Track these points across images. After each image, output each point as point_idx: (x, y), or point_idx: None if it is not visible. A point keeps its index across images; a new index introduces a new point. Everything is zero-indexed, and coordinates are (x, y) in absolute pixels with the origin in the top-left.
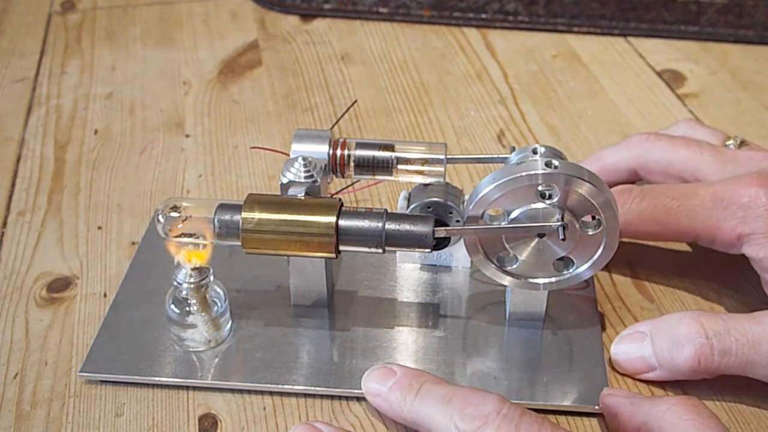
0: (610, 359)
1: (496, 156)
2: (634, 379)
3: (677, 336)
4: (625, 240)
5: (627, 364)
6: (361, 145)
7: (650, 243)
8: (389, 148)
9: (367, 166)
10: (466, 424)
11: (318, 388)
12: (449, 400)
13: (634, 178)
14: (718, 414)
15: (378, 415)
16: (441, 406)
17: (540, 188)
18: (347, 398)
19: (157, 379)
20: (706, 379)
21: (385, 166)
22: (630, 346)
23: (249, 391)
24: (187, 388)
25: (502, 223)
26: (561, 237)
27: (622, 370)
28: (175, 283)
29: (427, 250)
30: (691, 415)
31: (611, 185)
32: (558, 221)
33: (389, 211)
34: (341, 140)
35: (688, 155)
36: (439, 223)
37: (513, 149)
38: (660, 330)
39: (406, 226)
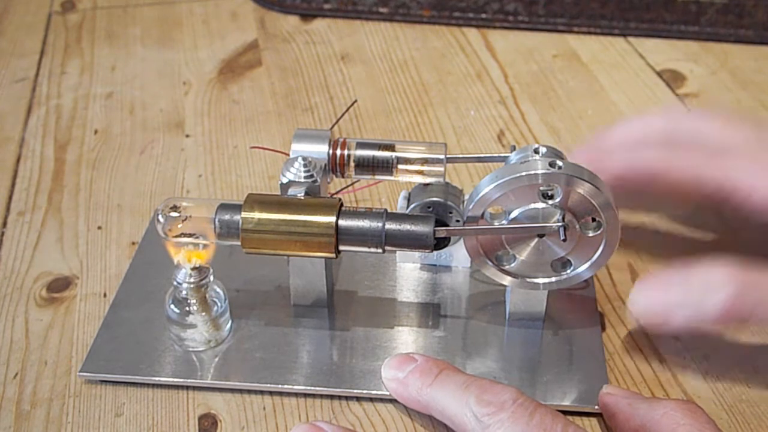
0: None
1: (496, 155)
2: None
3: (710, 280)
4: (625, 240)
5: (647, 312)
6: (361, 145)
7: (650, 243)
8: (389, 148)
9: (367, 166)
10: (482, 408)
11: (318, 388)
12: (467, 386)
13: (658, 156)
14: (718, 414)
15: (378, 415)
16: (458, 392)
17: (542, 188)
18: (347, 398)
19: (157, 379)
20: (706, 380)
21: (385, 166)
22: (653, 293)
23: (249, 391)
24: (187, 388)
25: (503, 223)
26: (562, 237)
27: (640, 318)
28: (175, 283)
29: (427, 250)
30: (688, 420)
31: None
32: (558, 221)
33: (389, 211)
34: (341, 140)
35: (721, 127)
36: (440, 223)
37: (513, 148)
38: (690, 274)
39: (406, 226)
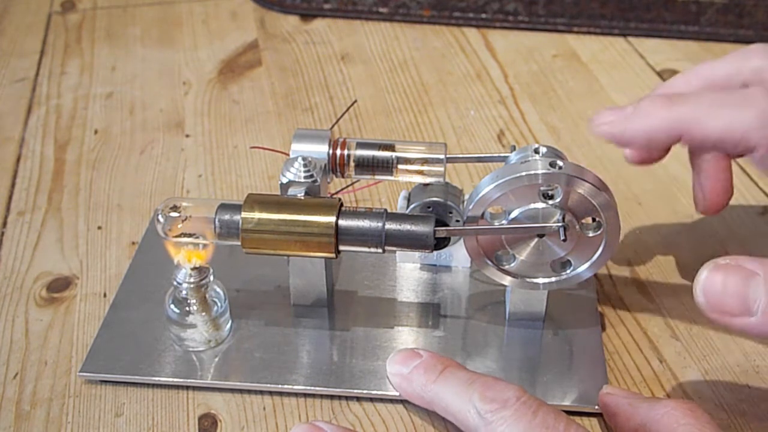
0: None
1: (496, 155)
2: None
3: None
4: (625, 240)
5: (719, 299)
6: (361, 145)
7: (650, 243)
8: (389, 148)
9: (367, 166)
10: (486, 404)
11: (318, 388)
12: (471, 383)
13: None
14: (717, 414)
15: (378, 415)
16: (462, 388)
17: (542, 188)
18: (347, 398)
19: (157, 379)
20: (706, 380)
21: (385, 166)
22: (731, 279)
23: (249, 391)
24: (187, 388)
25: (503, 222)
26: (562, 237)
27: (708, 304)
28: (175, 283)
29: (427, 250)
30: (688, 419)
31: None
32: (558, 221)
33: (389, 211)
34: (341, 140)
35: None
36: (440, 223)
37: (513, 148)
38: None
39: (407, 226)
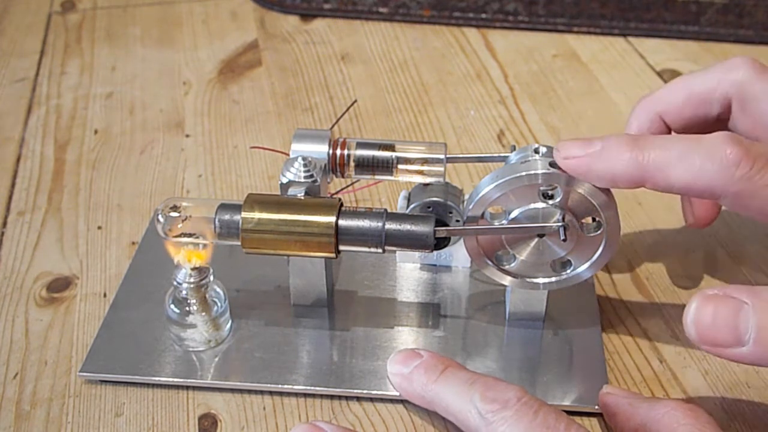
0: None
1: (496, 155)
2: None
3: None
4: (625, 240)
5: (709, 331)
6: (361, 145)
7: (650, 243)
8: (389, 147)
9: (367, 166)
10: (487, 405)
11: (318, 388)
12: (472, 383)
13: (723, 114)
14: (718, 414)
15: (378, 415)
16: (463, 388)
17: (542, 188)
18: (347, 398)
19: (157, 378)
20: (706, 380)
21: (385, 166)
22: (721, 310)
23: (249, 391)
24: (187, 388)
25: (503, 222)
26: (562, 237)
27: (699, 336)
28: (175, 283)
29: (427, 250)
30: (688, 420)
31: (695, 121)
32: (558, 221)
33: (389, 211)
34: (341, 140)
35: None
36: (440, 222)
37: (513, 148)
38: (764, 302)
39: (407, 226)
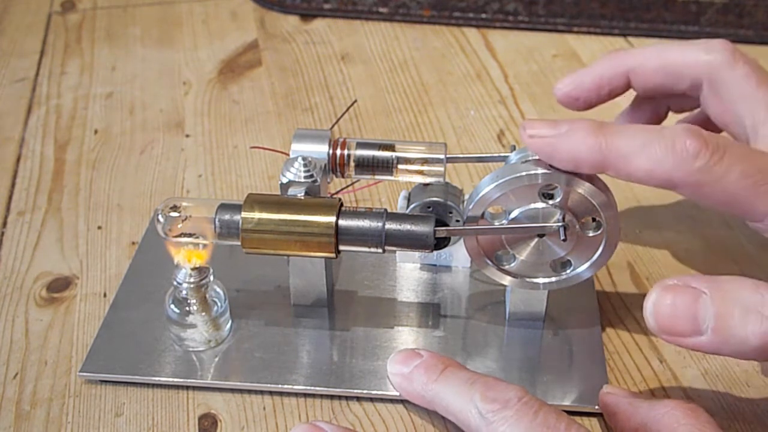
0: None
1: (496, 155)
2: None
3: (747, 302)
4: (625, 240)
5: (669, 321)
6: (361, 145)
7: (650, 243)
8: (389, 148)
9: (367, 166)
10: (487, 404)
11: (318, 388)
12: (472, 383)
13: (690, 91)
14: (717, 414)
15: (378, 415)
16: (464, 388)
17: (542, 189)
18: (347, 398)
19: (157, 378)
20: (706, 380)
21: (385, 166)
22: (679, 299)
23: (249, 391)
24: (187, 387)
25: (503, 222)
26: (562, 237)
27: (658, 326)
28: (175, 283)
29: (428, 250)
30: (689, 420)
31: (661, 90)
32: (558, 221)
33: (389, 211)
34: (341, 140)
35: None
36: (440, 222)
37: (513, 148)
38: (722, 291)
39: (407, 226)
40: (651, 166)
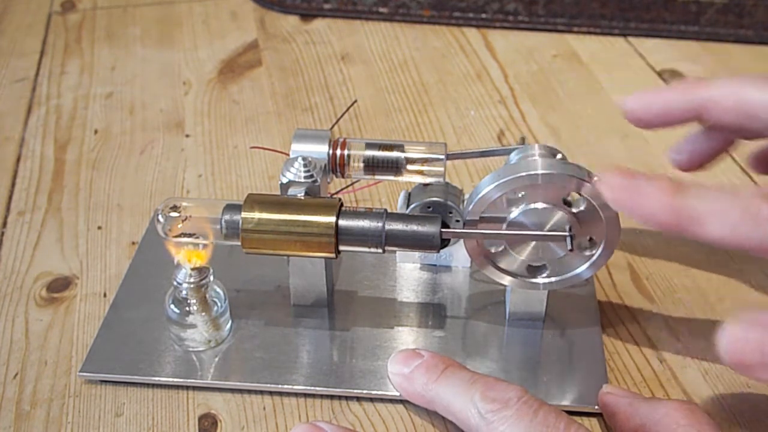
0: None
1: (500, 148)
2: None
3: None
4: (625, 240)
5: (740, 357)
6: (361, 145)
7: (650, 243)
8: (389, 148)
9: (367, 166)
10: (487, 404)
11: (318, 388)
12: (472, 383)
13: (763, 133)
14: (717, 415)
15: (378, 415)
16: (464, 387)
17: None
18: (347, 398)
19: (157, 378)
20: (706, 380)
21: (385, 166)
22: (751, 335)
23: (249, 391)
24: (187, 388)
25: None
26: (569, 248)
27: (730, 361)
28: (175, 283)
29: (434, 251)
30: (688, 420)
31: (731, 128)
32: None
33: (393, 211)
34: (341, 140)
35: None
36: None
37: (523, 140)
38: None
39: (413, 227)
40: (726, 233)
